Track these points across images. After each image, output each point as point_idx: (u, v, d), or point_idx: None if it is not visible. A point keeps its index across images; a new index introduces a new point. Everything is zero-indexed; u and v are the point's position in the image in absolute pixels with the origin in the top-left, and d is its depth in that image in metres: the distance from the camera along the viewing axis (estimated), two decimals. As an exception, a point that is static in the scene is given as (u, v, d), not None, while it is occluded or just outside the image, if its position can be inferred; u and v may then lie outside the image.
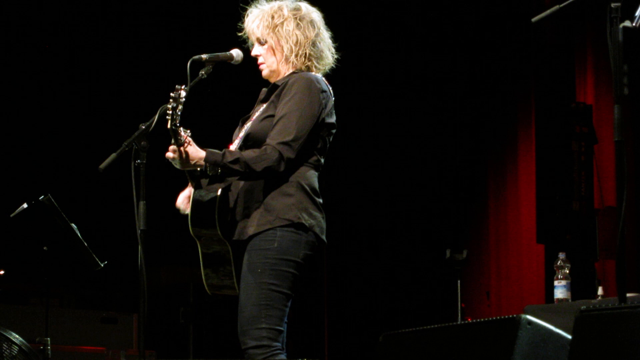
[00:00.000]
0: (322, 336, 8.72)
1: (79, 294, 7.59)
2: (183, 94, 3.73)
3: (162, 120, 3.83)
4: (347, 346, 8.68)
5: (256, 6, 4.10)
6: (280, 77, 4.07)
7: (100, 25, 8.10)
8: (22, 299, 7.14)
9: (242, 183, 3.93)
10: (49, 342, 5.44)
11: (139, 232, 3.87)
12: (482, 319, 3.79)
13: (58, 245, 5.29)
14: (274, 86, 4.08)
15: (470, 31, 8.78)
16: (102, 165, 3.90)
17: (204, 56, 4.01)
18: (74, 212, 5.33)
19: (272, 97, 4.02)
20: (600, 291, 6.07)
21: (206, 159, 3.83)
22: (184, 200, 4.07)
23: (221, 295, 4.05)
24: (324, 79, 4.07)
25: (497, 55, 8.62)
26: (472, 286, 8.62)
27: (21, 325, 5.99)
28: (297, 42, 4.03)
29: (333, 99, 4.05)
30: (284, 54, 4.05)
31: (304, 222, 3.88)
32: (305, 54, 4.05)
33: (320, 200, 3.98)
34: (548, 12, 3.62)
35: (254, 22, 4.08)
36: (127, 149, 3.90)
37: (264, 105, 4.05)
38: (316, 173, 4.00)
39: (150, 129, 3.89)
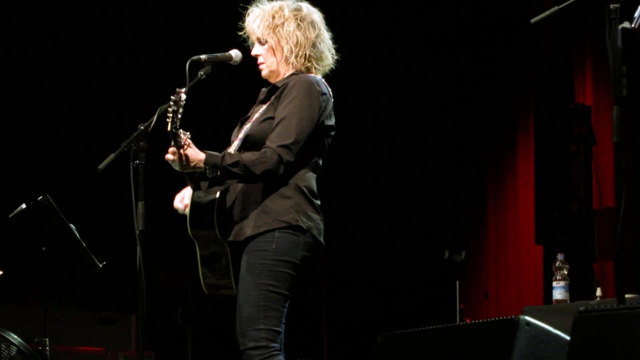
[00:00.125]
0: (320, 337, 8.72)
1: (77, 294, 7.60)
2: (184, 97, 3.73)
3: (161, 121, 3.83)
4: (345, 347, 8.67)
5: (257, 5, 4.09)
6: (280, 77, 4.07)
7: (100, 25, 8.10)
8: (21, 299, 7.14)
9: (240, 185, 3.94)
10: (48, 343, 5.44)
11: (137, 232, 3.88)
12: (481, 320, 3.79)
13: (57, 246, 5.29)
14: (274, 87, 4.07)
15: (470, 32, 8.78)
16: (101, 166, 3.90)
17: (202, 57, 4.01)
18: (72, 212, 5.34)
19: (272, 98, 4.01)
20: (598, 292, 6.07)
21: (206, 162, 3.83)
22: (180, 200, 4.07)
23: (219, 294, 4.05)
24: (323, 80, 4.06)
25: (496, 55, 8.62)
26: (470, 287, 8.62)
27: (20, 326, 5.99)
28: (297, 43, 4.02)
29: (332, 100, 4.05)
30: (284, 55, 4.04)
31: (301, 224, 3.89)
32: (306, 55, 4.04)
33: (318, 202, 3.98)
34: (547, 13, 3.62)
35: (254, 21, 4.07)
36: (125, 149, 3.90)
37: (264, 107, 4.05)
38: (314, 175, 4.00)
39: (149, 130, 3.89)
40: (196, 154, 3.82)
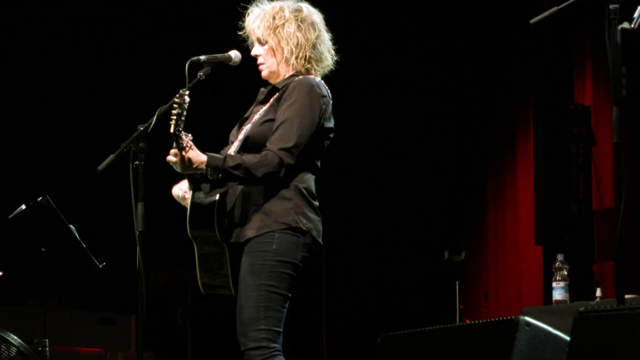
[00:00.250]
0: (320, 337, 8.72)
1: (77, 295, 7.59)
2: (187, 99, 3.72)
3: (161, 121, 3.83)
4: (345, 347, 8.67)
5: (257, 5, 4.08)
6: (280, 78, 4.07)
7: (100, 26, 8.10)
8: (21, 300, 7.14)
9: (240, 186, 3.94)
10: (47, 343, 5.44)
11: (137, 233, 3.88)
12: (481, 321, 3.80)
13: (56, 247, 5.29)
14: (274, 88, 4.07)
15: (470, 32, 8.78)
16: (101, 167, 3.90)
17: (202, 57, 4.01)
18: (72, 213, 5.34)
19: (272, 100, 4.01)
20: (598, 293, 6.08)
21: (207, 164, 3.82)
22: (179, 188, 4.06)
23: (216, 294, 4.06)
24: (323, 82, 4.06)
25: (496, 56, 8.62)
26: (470, 287, 8.62)
27: (19, 327, 5.98)
28: (297, 44, 4.02)
29: (331, 102, 4.05)
30: (284, 56, 4.04)
31: (301, 226, 3.89)
32: (306, 56, 4.04)
33: (317, 203, 3.99)
34: (546, 13, 3.62)
35: (254, 21, 4.07)
36: (125, 150, 3.90)
37: (264, 108, 4.04)
38: (313, 176, 4.01)
39: (149, 131, 3.88)
40: (198, 156, 3.81)
